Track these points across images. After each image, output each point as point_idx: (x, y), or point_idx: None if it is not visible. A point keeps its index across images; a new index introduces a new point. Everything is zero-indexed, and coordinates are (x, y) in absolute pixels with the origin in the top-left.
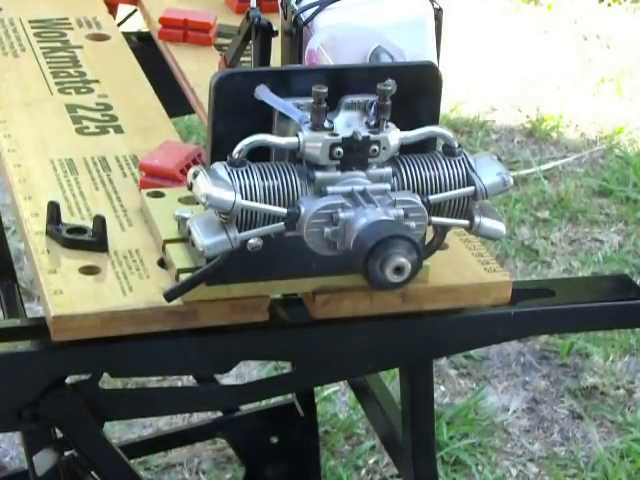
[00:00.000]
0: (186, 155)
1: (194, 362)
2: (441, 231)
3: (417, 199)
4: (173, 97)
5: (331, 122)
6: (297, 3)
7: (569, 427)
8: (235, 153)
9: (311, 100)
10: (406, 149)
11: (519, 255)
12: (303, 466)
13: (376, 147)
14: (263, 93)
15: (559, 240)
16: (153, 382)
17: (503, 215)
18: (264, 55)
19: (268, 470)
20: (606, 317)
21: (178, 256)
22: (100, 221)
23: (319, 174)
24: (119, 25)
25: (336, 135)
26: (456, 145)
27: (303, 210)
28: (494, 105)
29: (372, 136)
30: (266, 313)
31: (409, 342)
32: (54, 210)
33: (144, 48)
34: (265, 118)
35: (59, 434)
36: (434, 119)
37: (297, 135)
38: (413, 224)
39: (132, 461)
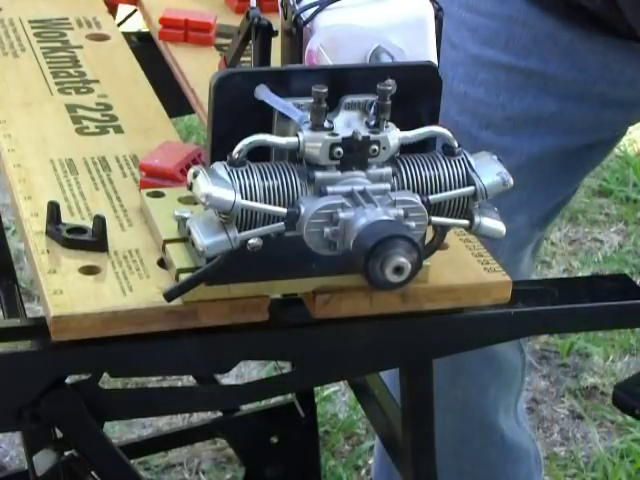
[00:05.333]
0: (186, 155)
1: (194, 362)
2: (441, 231)
3: (417, 199)
4: (173, 97)
5: (331, 122)
6: (297, 3)
7: (569, 427)
8: (235, 153)
9: (311, 100)
10: (406, 149)
11: None
12: (303, 466)
13: (376, 147)
14: (263, 93)
15: (559, 240)
16: (153, 382)
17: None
18: (264, 55)
19: (268, 470)
20: (606, 317)
21: (178, 256)
22: (100, 221)
23: (319, 174)
24: (119, 25)
25: (336, 135)
26: (456, 145)
27: (303, 210)
28: None
29: (372, 136)
30: (266, 313)
31: (409, 342)
32: (54, 210)
33: (144, 48)
34: (265, 118)
35: (59, 434)
36: (434, 119)
37: (297, 135)
38: (413, 224)
39: (132, 461)
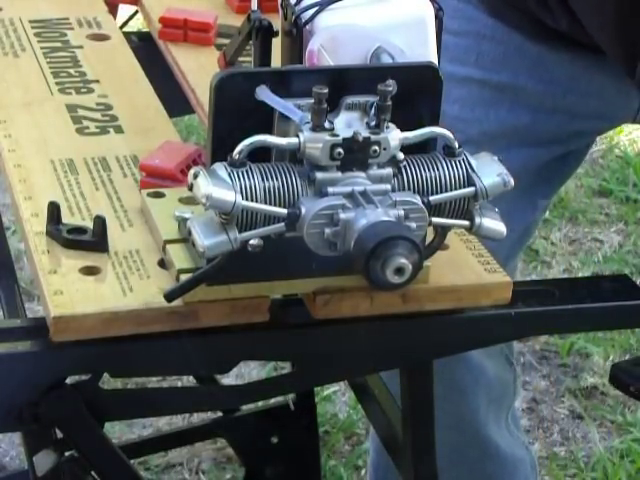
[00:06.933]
0: (186, 155)
1: (194, 362)
2: (441, 232)
3: (418, 200)
4: (173, 97)
5: (331, 123)
6: (297, 3)
7: (569, 427)
8: (235, 154)
9: (311, 101)
10: (407, 150)
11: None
12: (303, 466)
13: (376, 148)
14: (264, 93)
15: (559, 240)
16: (153, 382)
17: None
18: (265, 56)
19: (268, 470)
20: (606, 317)
21: (178, 256)
22: (100, 221)
23: (319, 175)
24: (121, 27)
25: (336, 136)
26: (456, 146)
27: (303, 211)
28: None
29: (372, 137)
30: (266, 313)
31: (410, 342)
32: (54, 210)
33: (144, 48)
34: (265, 119)
35: (59, 434)
36: (435, 119)
37: (297, 136)
38: (414, 225)
39: (132, 461)
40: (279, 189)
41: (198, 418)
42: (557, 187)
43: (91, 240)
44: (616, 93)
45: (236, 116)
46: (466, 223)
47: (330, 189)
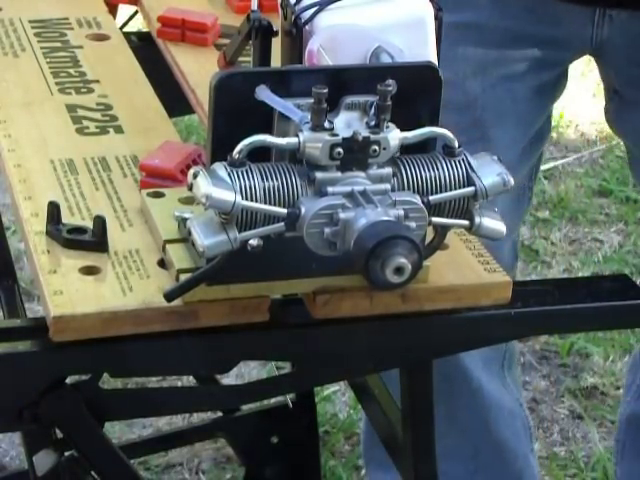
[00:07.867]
0: (186, 155)
1: (194, 362)
2: (441, 231)
3: (417, 199)
4: (173, 97)
5: (331, 122)
6: (297, 3)
7: (569, 427)
8: (235, 153)
9: (311, 100)
10: (406, 149)
11: (519, 255)
12: (303, 466)
13: (376, 147)
14: (263, 93)
15: (559, 240)
16: (153, 382)
17: None
18: (264, 55)
19: (268, 470)
20: (606, 317)
21: (178, 256)
22: (100, 221)
23: (319, 174)
24: (121, 28)
25: (336, 135)
26: (456, 145)
27: (303, 210)
28: None
29: (372, 136)
30: (266, 313)
31: (409, 342)
32: (54, 210)
33: (144, 48)
34: (265, 118)
35: (59, 434)
36: (434, 119)
37: (297, 135)
38: (413, 224)
39: (132, 461)
40: (279, 189)
41: (198, 418)
42: (545, 110)
43: (91, 240)
44: (570, 21)
45: (236, 116)
46: (466, 223)
47: (330, 189)
